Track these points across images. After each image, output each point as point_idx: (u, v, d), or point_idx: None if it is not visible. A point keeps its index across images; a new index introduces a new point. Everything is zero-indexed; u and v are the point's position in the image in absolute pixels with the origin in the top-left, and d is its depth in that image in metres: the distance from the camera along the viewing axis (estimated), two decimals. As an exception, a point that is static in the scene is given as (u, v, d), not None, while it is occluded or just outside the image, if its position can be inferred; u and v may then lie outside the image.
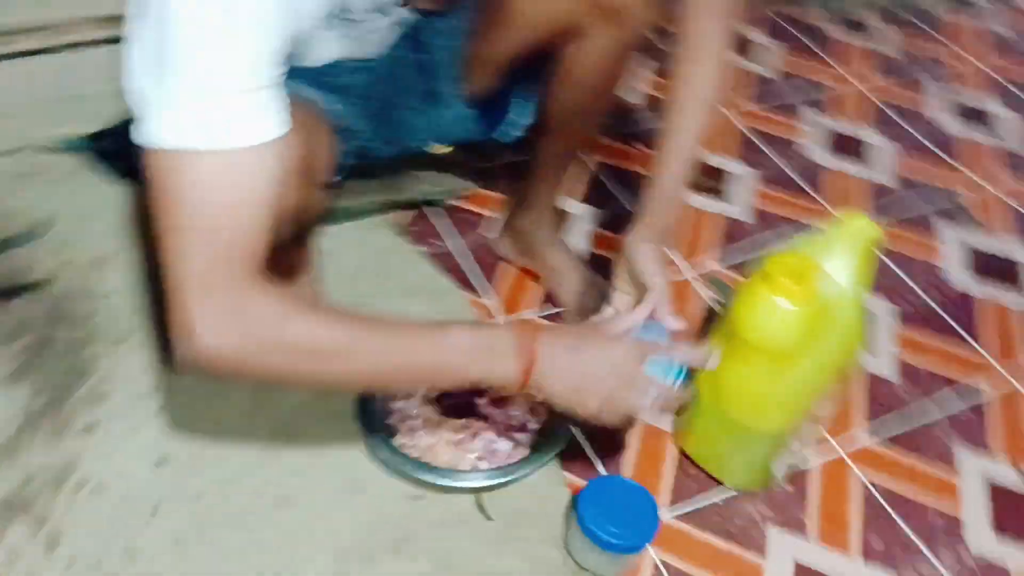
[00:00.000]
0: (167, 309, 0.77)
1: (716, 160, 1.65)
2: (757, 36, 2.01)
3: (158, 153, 0.73)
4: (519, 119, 1.21)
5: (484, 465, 1.09)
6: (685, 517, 1.11)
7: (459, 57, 1.14)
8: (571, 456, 1.14)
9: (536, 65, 1.11)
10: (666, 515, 1.11)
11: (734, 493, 1.14)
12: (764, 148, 1.70)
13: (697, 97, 1.02)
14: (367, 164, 1.39)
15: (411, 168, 1.46)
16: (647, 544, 1.02)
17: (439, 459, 1.09)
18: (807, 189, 1.62)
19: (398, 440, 1.10)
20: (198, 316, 0.75)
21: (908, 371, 1.33)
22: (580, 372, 0.88)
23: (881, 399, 1.28)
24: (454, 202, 1.48)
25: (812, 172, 1.66)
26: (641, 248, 1.00)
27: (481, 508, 1.07)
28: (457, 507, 1.07)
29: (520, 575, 1.03)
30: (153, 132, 0.73)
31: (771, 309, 0.98)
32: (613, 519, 0.99)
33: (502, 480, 1.08)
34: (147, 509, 1.04)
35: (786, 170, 1.65)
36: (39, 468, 1.06)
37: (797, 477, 1.17)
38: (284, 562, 1.01)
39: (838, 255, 1.01)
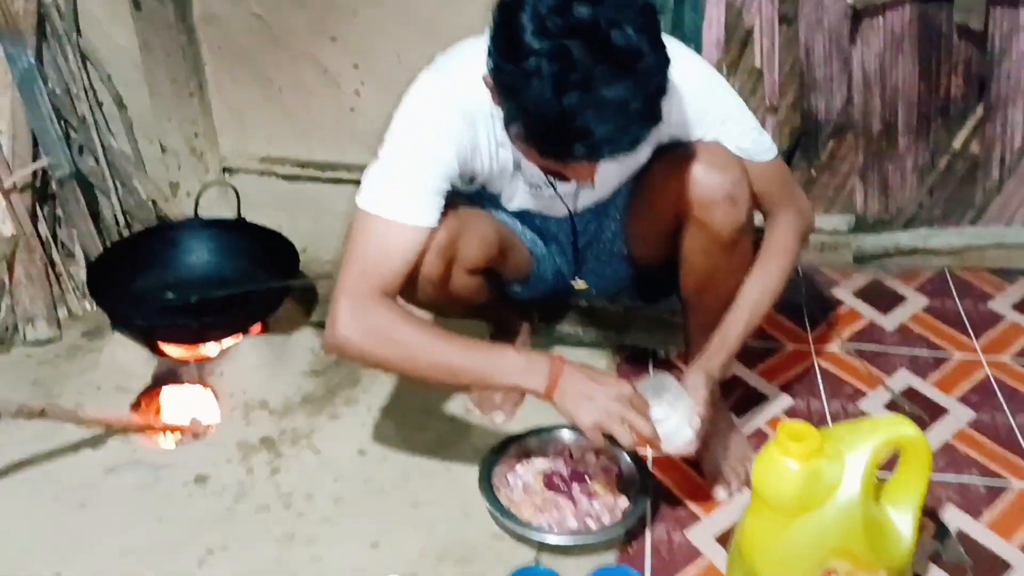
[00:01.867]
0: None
1: (936, 394, 1.69)
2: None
3: (358, 207, 1.23)
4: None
5: (553, 529, 1.37)
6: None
7: (622, 230, 1.49)
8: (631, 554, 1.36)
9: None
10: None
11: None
12: (1000, 397, 1.68)
13: (767, 281, 1.35)
14: (585, 301, 1.78)
15: (631, 318, 1.80)
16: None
17: (522, 513, 1.39)
18: (1024, 448, 1.57)
19: (503, 492, 1.43)
20: (340, 312, 1.22)
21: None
22: (588, 392, 1.20)
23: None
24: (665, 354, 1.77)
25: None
26: (696, 374, 1.30)
27: (538, 559, 1.35)
28: (523, 554, 1.37)
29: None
30: (359, 193, 1.23)
31: (775, 465, 1.14)
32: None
33: (561, 543, 1.35)
34: (334, 475, 1.51)
35: (1012, 423, 1.62)
36: (293, 426, 1.61)
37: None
38: (390, 531, 1.40)
39: (864, 438, 1.14)
